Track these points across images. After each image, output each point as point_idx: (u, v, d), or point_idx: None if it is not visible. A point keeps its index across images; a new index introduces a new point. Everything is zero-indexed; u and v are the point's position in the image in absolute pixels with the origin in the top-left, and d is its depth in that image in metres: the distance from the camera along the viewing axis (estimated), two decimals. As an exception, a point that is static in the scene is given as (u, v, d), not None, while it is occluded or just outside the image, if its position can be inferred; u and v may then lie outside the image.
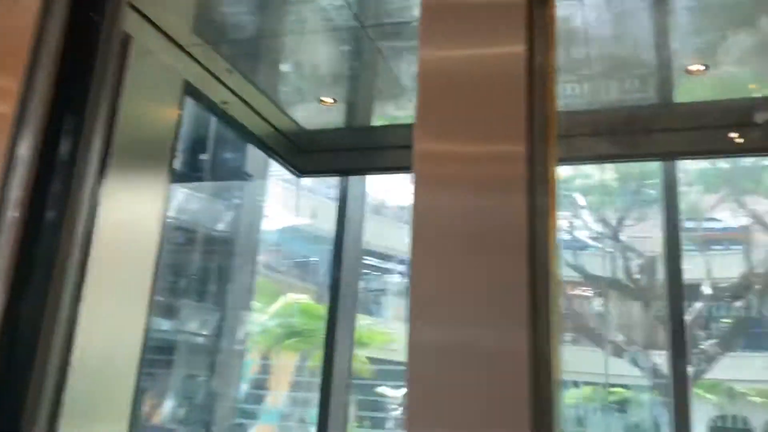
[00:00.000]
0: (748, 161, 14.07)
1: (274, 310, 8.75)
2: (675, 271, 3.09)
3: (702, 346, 14.86)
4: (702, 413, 15.26)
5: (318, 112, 3.76)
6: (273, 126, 3.66)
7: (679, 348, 4.26)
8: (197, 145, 3.72)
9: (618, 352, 15.50)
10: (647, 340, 15.86)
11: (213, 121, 3.65)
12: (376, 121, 3.88)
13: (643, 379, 15.06)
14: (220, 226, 7.32)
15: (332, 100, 3.53)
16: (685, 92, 3.17)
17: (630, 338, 15.97)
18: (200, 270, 7.35)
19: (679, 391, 2.97)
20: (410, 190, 1.26)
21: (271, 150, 3.75)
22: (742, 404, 14.01)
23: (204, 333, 7.64)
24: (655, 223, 16.34)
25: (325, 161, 3.95)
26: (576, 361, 15.49)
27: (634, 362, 15.03)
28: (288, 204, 14.26)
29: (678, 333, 3.30)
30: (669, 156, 3.33)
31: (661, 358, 15.42)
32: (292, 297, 8.83)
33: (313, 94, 3.59)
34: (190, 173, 3.91)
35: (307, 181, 17.44)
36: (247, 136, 3.59)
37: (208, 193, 6.85)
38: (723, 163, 14.08)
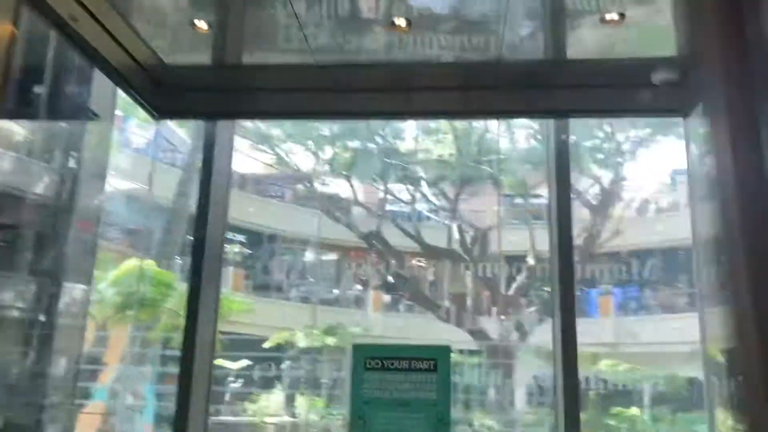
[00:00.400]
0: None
1: (114, 277, 7.74)
2: (566, 239, 2.94)
3: (526, 313, 15.76)
4: (523, 374, 16.21)
5: (182, 45, 3.18)
6: (131, 56, 3.04)
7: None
8: (31, 72, 2.98)
9: (449, 318, 16.03)
10: (477, 307, 16.53)
11: (51, 42, 2.95)
12: (248, 60, 3.36)
13: (472, 344, 15.66)
14: (47, 187, 6.33)
15: (205, 27, 2.98)
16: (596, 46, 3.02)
17: (462, 305, 16.56)
18: (15, 235, 6.34)
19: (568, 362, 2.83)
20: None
21: (127, 85, 3.12)
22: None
23: (18, 305, 6.61)
24: (491, 195, 17.01)
25: (187, 102, 3.38)
26: (411, 327, 15.80)
27: (464, 328, 15.61)
28: (120, 169, 13.05)
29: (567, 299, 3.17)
30: (563, 114, 3.17)
31: (489, 324, 16.18)
32: (134, 263, 7.86)
33: (179, 22, 3.01)
34: (19, 109, 3.12)
35: (141, 144, 16.13)
36: (100, 64, 2.95)
37: (34, 147, 5.85)
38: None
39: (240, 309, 10.55)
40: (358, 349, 2.99)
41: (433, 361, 2.98)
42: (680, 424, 13.13)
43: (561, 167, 3.03)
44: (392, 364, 2.98)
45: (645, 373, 14.53)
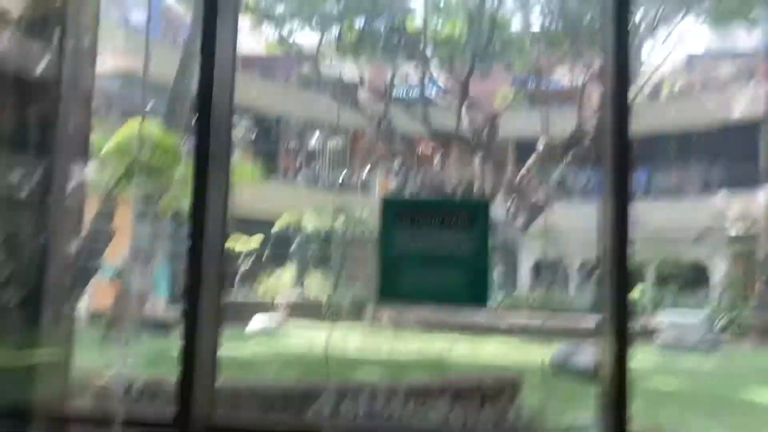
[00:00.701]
0: (588, 19, 14.13)
1: (116, 144, 7.28)
2: (622, 105, 2.54)
3: (533, 198, 15.54)
4: (528, 256, 16.28)
5: None
6: None
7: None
8: None
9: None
10: (484, 192, 16.31)
11: None
12: None
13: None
14: (45, 66, 5.89)
15: None
16: None
17: (469, 190, 16.33)
18: (16, 118, 5.97)
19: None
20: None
21: None
22: (563, 248, 15.01)
23: (26, 186, 6.37)
24: (502, 78, 16.38)
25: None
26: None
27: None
28: (116, 46, 12.40)
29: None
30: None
31: (495, 208, 16.00)
32: (136, 124, 7.36)
33: None
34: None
35: (138, 20, 15.33)
36: None
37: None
38: (567, 21, 14.09)
39: (250, 177, 10.27)
40: (388, 203, 2.67)
41: (469, 216, 2.67)
42: (682, 304, 13.23)
43: (621, 6, 2.55)
44: (425, 219, 2.68)
45: (649, 256, 14.52)
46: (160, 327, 9.27)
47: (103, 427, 3.08)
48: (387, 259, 2.71)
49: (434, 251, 2.68)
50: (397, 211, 2.71)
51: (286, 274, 14.80)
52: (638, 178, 16.36)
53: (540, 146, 15.35)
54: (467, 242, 2.66)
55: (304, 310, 13.50)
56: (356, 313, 13.04)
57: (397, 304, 2.85)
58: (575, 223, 14.77)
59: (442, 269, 2.68)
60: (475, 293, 2.69)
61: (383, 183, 17.35)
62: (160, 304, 11.69)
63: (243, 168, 9.88)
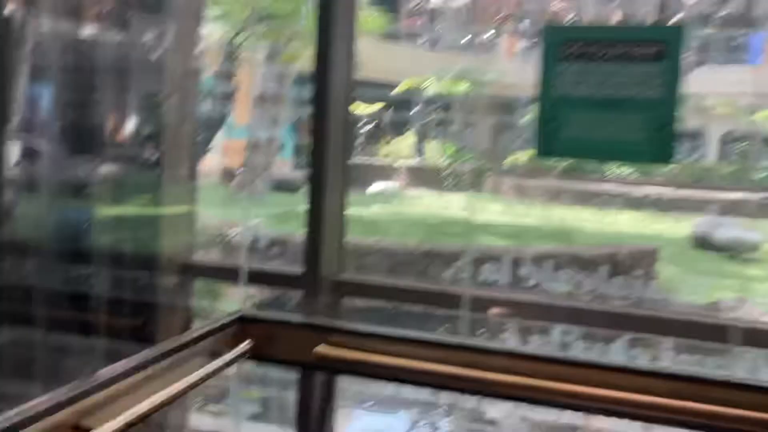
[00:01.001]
0: None
1: None
2: None
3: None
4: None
5: None
6: None
7: None
8: None
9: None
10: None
11: None
12: None
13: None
14: None
15: None
16: None
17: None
18: None
19: None
20: None
21: None
22: (706, 117, 13.60)
23: (158, 47, 6.23)
24: None
25: None
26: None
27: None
28: None
29: None
30: None
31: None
32: None
33: None
34: None
35: None
36: None
37: None
38: None
39: (375, 29, 9.73)
40: (551, 31, 2.11)
41: (658, 46, 2.06)
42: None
43: None
44: (599, 51, 2.10)
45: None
46: (287, 185, 9.33)
47: (230, 280, 2.96)
48: (548, 103, 2.19)
49: (609, 93, 2.13)
50: (563, 42, 2.15)
51: (407, 139, 14.51)
52: (757, 41, 14.25)
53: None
54: (654, 79, 2.09)
55: (424, 176, 13.26)
56: (477, 181, 12.66)
57: (560, 157, 2.37)
58: (718, 88, 13.25)
59: (619, 116, 2.14)
60: (660, 147, 2.14)
61: (509, 45, 16.21)
62: (286, 162, 11.79)
63: (367, 21, 9.29)
